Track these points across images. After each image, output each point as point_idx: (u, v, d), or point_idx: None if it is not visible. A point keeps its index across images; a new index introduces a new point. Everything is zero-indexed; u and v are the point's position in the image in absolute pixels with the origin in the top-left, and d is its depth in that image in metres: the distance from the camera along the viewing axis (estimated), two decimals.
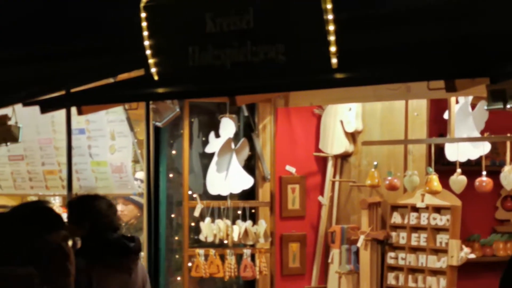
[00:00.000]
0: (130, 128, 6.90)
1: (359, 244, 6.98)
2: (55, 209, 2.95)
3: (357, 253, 7.04)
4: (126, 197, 7.57)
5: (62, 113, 6.72)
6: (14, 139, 6.67)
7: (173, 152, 7.03)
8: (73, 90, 6.38)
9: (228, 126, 6.86)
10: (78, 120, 6.85)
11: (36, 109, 6.10)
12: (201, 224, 6.84)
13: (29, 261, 2.56)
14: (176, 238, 7.00)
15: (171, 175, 7.01)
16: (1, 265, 2.49)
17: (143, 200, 7.03)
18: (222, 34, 5.19)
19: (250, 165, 7.06)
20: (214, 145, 6.92)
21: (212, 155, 6.92)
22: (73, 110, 6.50)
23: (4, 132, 6.62)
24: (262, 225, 6.88)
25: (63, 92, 6.38)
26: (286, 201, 7.21)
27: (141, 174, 7.41)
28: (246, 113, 7.00)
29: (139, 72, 6.47)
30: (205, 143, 6.98)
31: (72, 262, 2.74)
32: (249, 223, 6.87)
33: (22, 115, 6.77)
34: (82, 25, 6.81)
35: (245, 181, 6.83)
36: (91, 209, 4.80)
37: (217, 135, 6.91)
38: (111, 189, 7.18)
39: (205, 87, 5.47)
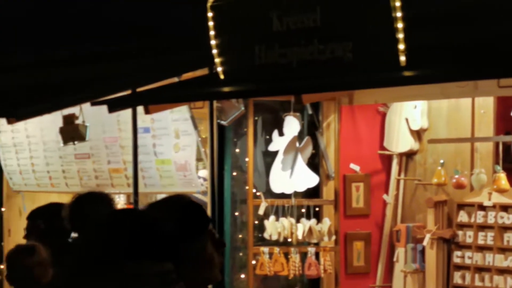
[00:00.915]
0: (194, 126, 6.93)
1: (425, 242, 6.91)
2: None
3: (422, 251, 6.98)
4: (189, 195, 7.60)
5: (127, 112, 6.78)
6: (81, 138, 6.75)
7: (237, 150, 7.04)
8: (139, 89, 6.44)
9: (292, 124, 6.85)
10: (143, 119, 6.90)
11: (102, 108, 6.17)
12: (266, 222, 6.84)
13: (168, 257, 2.50)
14: (240, 236, 7.01)
15: (235, 173, 7.02)
16: (136, 261, 2.43)
17: (207, 198, 7.06)
18: (289, 33, 5.18)
19: (314, 163, 7.04)
20: (277, 143, 6.92)
21: (275, 153, 6.92)
22: (139, 109, 6.55)
23: (72, 131, 6.70)
24: (326, 223, 6.86)
25: (129, 92, 6.45)
26: (350, 199, 7.18)
27: (204, 172, 7.45)
28: (310, 111, 6.98)
29: (203, 71, 6.51)
30: (268, 141, 6.98)
31: (219, 267, 2.77)
32: (313, 221, 6.85)
33: (88, 114, 6.85)
34: (148, 24, 6.87)
35: (310, 180, 6.82)
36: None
37: (281, 134, 6.90)
38: (175, 187, 7.23)
39: (271, 85, 5.46)
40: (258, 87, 5.57)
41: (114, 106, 6.03)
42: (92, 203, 4.92)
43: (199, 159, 7.24)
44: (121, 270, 2.37)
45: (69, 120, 6.74)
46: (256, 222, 6.95)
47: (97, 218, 2.86)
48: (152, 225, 2.44)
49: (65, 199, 8.14)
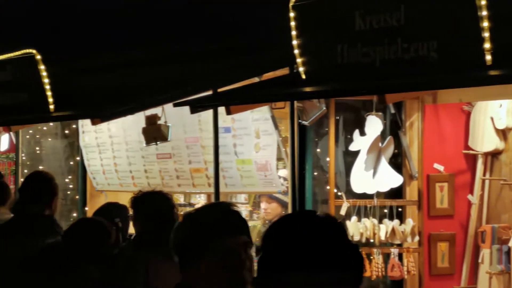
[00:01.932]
0: (274, 126, 6.92)
1: (510, 243, 6.76)
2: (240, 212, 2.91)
3: (508, 253, 6.82)
4: (269, 195, 7.60)
5: (208, 112, 6.81)
6: (163, 138, 6.81)
7: (318, 150, 7.00)
8: (220, 90, 6.47)
9: (374, 124, 6.77)
10: (224, 119, 6.92)
11: (183, 108, 6.22)
12: (347, 222, 6.79)
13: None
14: None
15: (316, 173, 6.98)
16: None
17: (287, 198, 7.04)
18: (372, 32, 5.13)
19: (397, 163, 6.95)
20: (358, 143, 6.85)
21: (355, 153, 6.85)
22: (220, 109, 6.57)
23: (154, 131, 6.77)
24: (410, 224, 6.76)
25: (210, 92, 6.48)
26: (434, 199, 7.06)
27: (284, 172, 7.43)
28: (392, 110, 6.90)
29: (284, 71, 6.49)
30: (349, 141, 6.92)
31: (249, 270, 2.68)
32: (396, 222, 6.76)
33: (170, 115, 6.91)
34: (229, 25, 6.89)
35: (394, 180, 6.73)
36: (150, 205, 4.99)
37: (362, 133, 6.83)
38: (255, 187, 7.23)
39: (354, 85, 5.42)
40: (341, 87, 5.53)
41: (196, 107, 6.08)
42: (151, 202, 5.06)
43: (279, 158, 7.23)
44: (288, 281, 2.11)
45: (151, 121, 6.81)
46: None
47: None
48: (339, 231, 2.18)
49: None
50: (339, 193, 6.89)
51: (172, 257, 2.96)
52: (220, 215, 2.83)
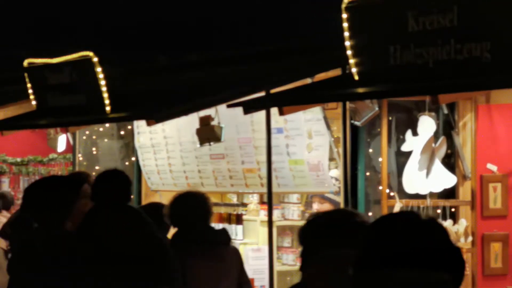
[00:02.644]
0: (327, 126, 6.96)
1: None
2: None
3: None
4: (321, 195, 7.63)
5: (261, 112, 6.86)
6: (217, 139, 6.88)
7: (370, 150, 7.02)
8: (273, 90, 6.52)
9: (427, 124, 6.78)
10: (276, 120, 6.97)
11: (236, 109, 6.28)
12: None
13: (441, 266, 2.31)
14: None
15: (368, 174, 7.01)
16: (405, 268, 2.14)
17: (339, 198, 7.07)
18: (425, 33, 5.13)
19: (450, 164, 6.94)
20: (411, 143, 6.86)
21: (408, 153, 6.86)
22: (273, 109, 6.63)
23: (207, 132, 6.85)
24: (463, 225, 6.75)
25: (263, 93, 6.54)
26: (488, 200, 7.04)
27: (335, 172, 7.46)
28: (445, 111, 6.89)
29: (336, 72, 6.53)
30: (401, 141, 6.93)
31: None
32: (449, 222, 6.76)
33: (223, 115, 6.98)
34: (281, 27, 6.95)
35: (448, 180, 6.73)
36: (182, 205, 5.22)
37: (414, 133, 6.84)
38: (308, 187, 7.28)
39: (407, 86, 5.43)
40: (394, 88, 5.55)
41: (249, 108, 6.13)
42: (189, 202, 5.22)
43: (331, 159, 7.26)
44: (390, 279, 2.10)
45: (205, 122, 6.89)
46: None
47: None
48: (431, 229, 2.18)
49: None
50: (392, 193, 6.90)
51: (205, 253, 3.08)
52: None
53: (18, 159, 11.15)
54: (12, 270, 4.49)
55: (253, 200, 8.44)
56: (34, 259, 4.38)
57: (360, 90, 5.67)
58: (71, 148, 9.24)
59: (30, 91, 7.40)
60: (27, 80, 7.38)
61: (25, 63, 7.35)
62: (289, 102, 6.01)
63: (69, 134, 8.94)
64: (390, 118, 6.92)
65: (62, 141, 9.28)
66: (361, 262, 2.15)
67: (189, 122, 7.54)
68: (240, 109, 6.17)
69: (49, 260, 4.29)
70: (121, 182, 5.12)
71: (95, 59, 6.69)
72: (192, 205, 5.37)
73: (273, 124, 6.93)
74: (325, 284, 2.65)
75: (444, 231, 2.18)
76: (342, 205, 6.85)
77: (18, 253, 4.64)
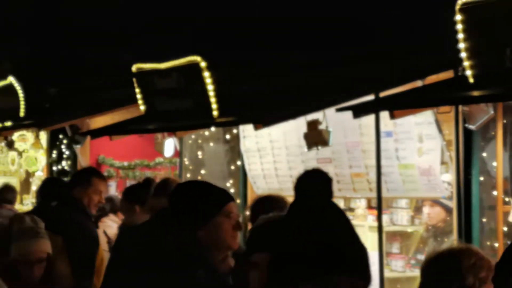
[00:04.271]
0: (438, 130, 6.78)
1: None
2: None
3: None
4: (433, 200, 7.44)
5: (369, 116, 6.74)
6: (324, 143, 6.79)
7: (484, 154, 6.80)
8: (382, 94, 6.39)
9: None
10: (385, 123, 6.83)
11: (344, 113, 6.18)
12: None
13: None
14: (489, 243, 6.76)
15: (482, 178, 6.79)
16: None
17: (452, 203, 6.88)
18: None
19: None
20: None
21: None
22: (382, 112, 6.50)
23: (315, 136, 6.76)
24: None
25: (372, 96, 6.42)
26: None
27: (447, 177, 7.26)
28: None
29: (447, 74, 6.35)
30: None
31: None
32: None
33: (330, 119, 6.88)
34: (390, 28, 6.81)
35: None
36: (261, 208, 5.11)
37: None
38: (418, 192, 7.10)
39: None
40: (511, 91, 5.36)
41: (359, 112, 6.02)
42: (269, 206, 5.11)
43: (442, 162, 7.07)
44: None
45: (313, 126, 6.81)
46: (506, 229, 6.67)
47: None
48: None
49: None
50: (507, 199, 6.66)
51: None
52: None
53: (125, 163, 11.30)
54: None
55: (360, 205, 8.30)
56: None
57: (476, 93, 5.49)
58: (177, 153, 9.29)
59: (138, 96, 7.47)
60: (135, 85, 7.45)
61: (134, 68, 7.42)
62: (401, 106, 5.88)
63: (175, 139, 8.99)
64: (505, 121, 6.69)
65: (169, 146, 9.33)
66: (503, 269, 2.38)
67: (296, 126, 7.46)
68: (347, 113, 6.06)
69: None
70: (322, 179, 5.15)
71: (203, 64, 6.69)
72: (269, 208, 5.28)
73: (382, 128, 6.80)
74: None
75: None
76: (454, 211, 6.66)
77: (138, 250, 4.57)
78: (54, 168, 11.00)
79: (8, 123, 10.79)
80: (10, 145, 11.77)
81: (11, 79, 10.73)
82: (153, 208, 5.15)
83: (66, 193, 5.76)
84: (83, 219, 5.63)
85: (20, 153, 12.22)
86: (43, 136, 11.40)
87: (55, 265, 4.44)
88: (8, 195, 9.05)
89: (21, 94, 10.60)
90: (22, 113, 10.61)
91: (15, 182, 11.86)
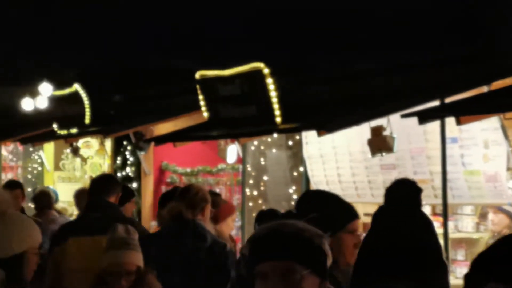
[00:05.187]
0: (504, 136, 6.68)
1: None
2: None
3: None
4: (497, 207, 7.34)
5: (434, 122, 6.67)
6: (389, 149, 6.75)
7: None
8: (447, 100, 6.33)
9: None
10: (450, 129, 6.76)
11: (408, 119, 6.13)
12: None
13: None
14: None
15: None
16: None
17: None
18: None
19: None
20: None
21: None
22: (447, 118, 6.43)
23: (380, 142, 6.72)
24: None
25: (437, 102, 6.36)
26: None
27: None
28: None
29: None
30: None
31: None
32: None
33: (394, 125, 6.83)
34: (454, 33, 6.74)
35: None
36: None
37: None
38: (484, 199, 7.01)
39: None
40: None
41: (425, 118, 5.97)
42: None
43: (509, 169, 6.97)
44: None
45: (377, 132, 6.77)
46: None
47: None
48: None
49: (370, 209, 8.21)
50: None
51: None
52: None
53: (188, 170, 11.37)
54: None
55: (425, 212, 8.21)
56: None
57: None
58: (239, 159, 9.31)
59: (202, 102, 7.51)
60: (199, 92, 7.49)
61: (197, 75, 7.47)
62: (468, 112, 5.81)
63: (237, 144, 9.02)
64: None
65: (232, 152, 9.37)
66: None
67: (359, 132, 7.43)
68: (411, 119, 6.02)
69: None
70: (411, 189, 5.16)
71: (266, 70, 6.70)
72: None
73: (448, 134, 6.73)
74: None
75: None
76: None
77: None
78: (118, 174, 11.13)
79: (74, 130, 10.95)
80: (76, 151, 11.94)
81: (76, 87, 10.89)
82: (170, 211, 5.13)
83: None
84: None
85: (85, 160, 12.40)
86: (108, 142, 11.55)
87: (145, 278, 4.17)
88: (44, 201, 8.77)
89: (86, 102, 10.75)
90: (87, 120, 10.76)
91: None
